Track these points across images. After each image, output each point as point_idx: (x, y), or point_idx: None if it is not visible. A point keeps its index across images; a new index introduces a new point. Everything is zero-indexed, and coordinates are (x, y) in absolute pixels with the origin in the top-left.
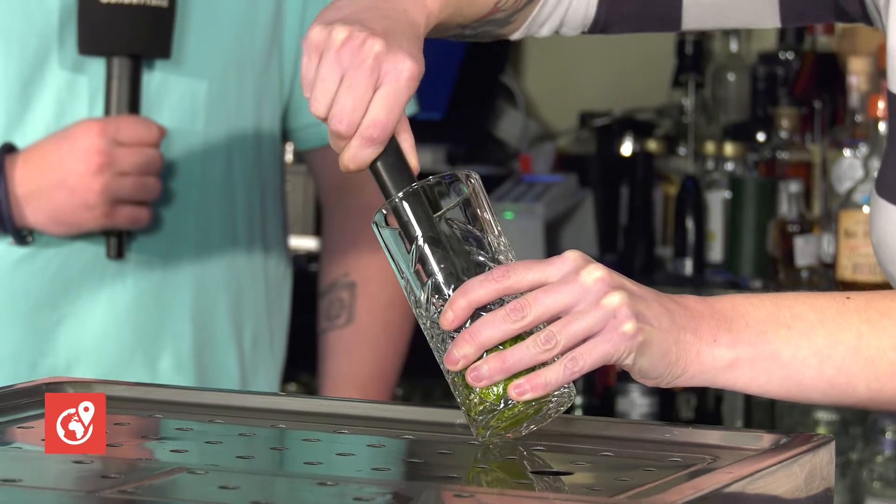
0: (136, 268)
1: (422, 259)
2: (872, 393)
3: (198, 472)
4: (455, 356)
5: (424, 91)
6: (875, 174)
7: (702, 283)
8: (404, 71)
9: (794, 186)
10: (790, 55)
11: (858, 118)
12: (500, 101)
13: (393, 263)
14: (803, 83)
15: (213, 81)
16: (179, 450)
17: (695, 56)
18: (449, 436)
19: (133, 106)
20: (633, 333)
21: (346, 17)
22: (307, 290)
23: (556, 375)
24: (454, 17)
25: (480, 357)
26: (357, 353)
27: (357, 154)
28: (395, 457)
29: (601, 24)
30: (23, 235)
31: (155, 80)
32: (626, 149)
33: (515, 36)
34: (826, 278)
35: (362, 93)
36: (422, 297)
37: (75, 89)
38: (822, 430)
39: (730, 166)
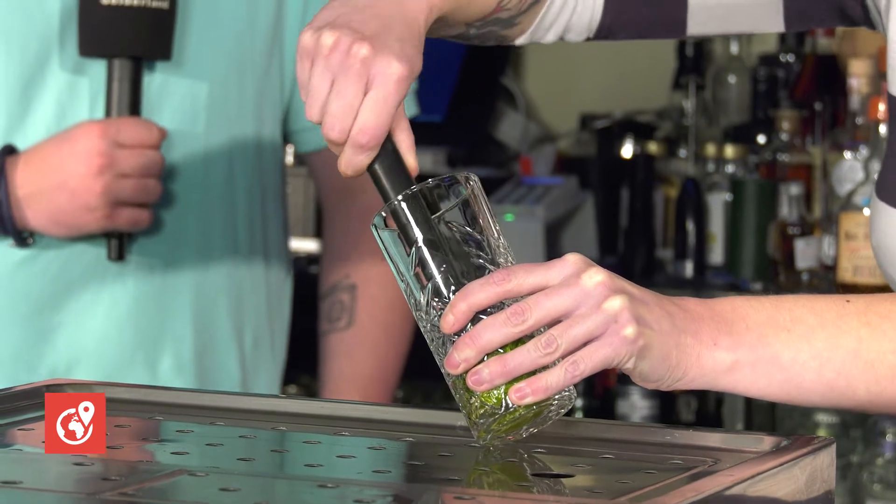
0: (137, 270)
1: (421, 262)
2: (872, 396)
3: (198, 474)
4: (456, 359)
5: (424, 93)
6: (875, 177)
7: (702, 285)
8: (392, 74)
9: (794, 189)
10: (791, 57)
11: (859, 120)
12: (500, 103)
13: (392, 266)
14: (804, 85)
15: (213, 83)
16: (180, 452)
17: (695, 58)
18: (449, 438)
19: (134, 108)
20: (634, 337)
21: (336, 19)
22: (308, 292)
23: (557, 379)
24: (457, 13)
25: (481, 360)
26: (358, 356)
27: (351, 160)
28: (395, 459)
29: (606, 30)
30: (23, 237)
31: (156, 81)
32: (627, 151)
33: (521, 40)
34: (826, 281)
35: (351, 99)
36: (422, 300)
37: (76, 91)
38: (822, 433)
39: (730, 168)
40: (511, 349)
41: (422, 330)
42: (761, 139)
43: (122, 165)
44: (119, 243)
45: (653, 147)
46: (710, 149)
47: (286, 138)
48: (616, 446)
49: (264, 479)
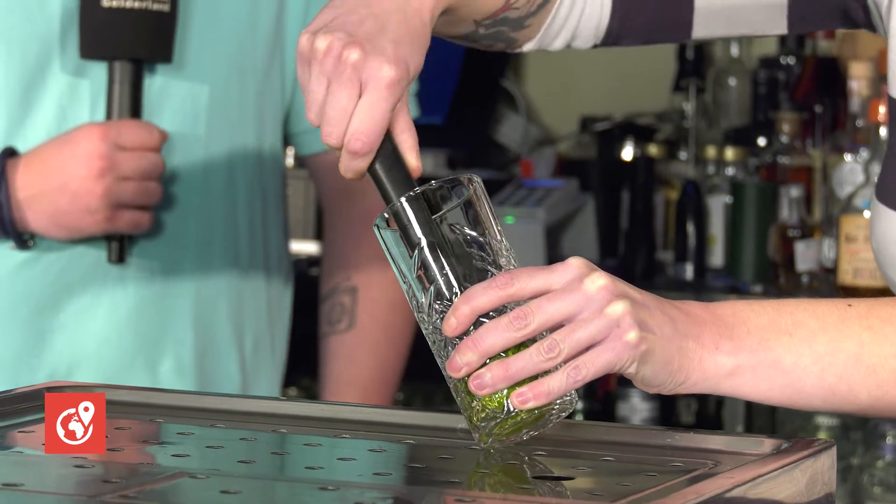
0: (138, 272)
1: (424, 264)
2: (874, 400)
3: (199, 476)
4: (458, 363)
5: (425, 95)
6: (875, 179)
7: (702, 287)
8: (383, 78)
9: (794, 191)
10: (791, 60)
11: (859, 123)
12: (500, 105)
13: (395, 267)
14: (804, 88)
15: (214, 86)
16: (181, 454)
17: (696, 61)
18: (450, 440)
19: (134, 110)
20: (636, 342)
21: (332, 21)
22: (308, 294)
23: (559, 384)
24: (465, 7)
25: (483, 364)
26: (358, 358)
27: (349, 164)
28: (396, 461)
29: (614, 36)
30: (24, 240)
31: (156, 84)
32: (627, 153)
33: (529, 46)
34: (827, 283)
35: (345, 104)
36: (424, 302)
37: (77, 93)
38: (822, 435)
39: (730, 171)
40: (513, 353)
41: (423, 332)
42: (761, 141)
43: (123, 168)
44: (119, 246)
45: (653, 149)
46: (711, 151)
47: (287, 141)
48: (617, 449)
49: (265, 482)
